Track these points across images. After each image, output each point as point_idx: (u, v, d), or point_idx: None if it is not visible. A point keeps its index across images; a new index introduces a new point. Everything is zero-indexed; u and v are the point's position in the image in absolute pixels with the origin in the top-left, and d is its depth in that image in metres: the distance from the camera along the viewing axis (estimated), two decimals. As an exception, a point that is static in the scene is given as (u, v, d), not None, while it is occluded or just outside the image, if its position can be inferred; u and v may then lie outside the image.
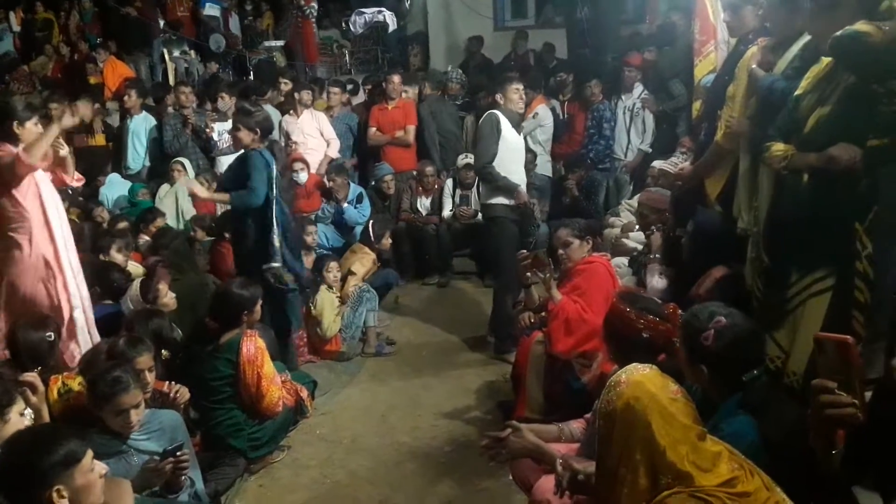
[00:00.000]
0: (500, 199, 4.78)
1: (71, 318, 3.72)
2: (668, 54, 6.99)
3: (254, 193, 4.12)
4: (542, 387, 3.65)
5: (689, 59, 5.41)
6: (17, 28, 12.52)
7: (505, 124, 4.73)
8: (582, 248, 3.82)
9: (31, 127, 3.62)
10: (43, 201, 3.64)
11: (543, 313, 3.82)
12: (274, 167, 4.28)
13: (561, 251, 3.87)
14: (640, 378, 1.76)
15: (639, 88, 6.87)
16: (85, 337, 3.77)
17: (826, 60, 2.57)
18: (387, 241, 5.99)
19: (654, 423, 1.69)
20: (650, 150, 6.69)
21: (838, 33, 2.37)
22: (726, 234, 3.20)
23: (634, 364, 1.85)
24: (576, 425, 2.79)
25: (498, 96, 4.85)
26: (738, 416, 2.06)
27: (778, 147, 2.60)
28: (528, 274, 3.98)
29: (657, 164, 5.40)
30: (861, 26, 2.33)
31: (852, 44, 2.33)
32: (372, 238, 6.12)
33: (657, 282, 3.98)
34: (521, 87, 4.90)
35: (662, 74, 6.97)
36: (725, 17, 3.62)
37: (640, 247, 4.63)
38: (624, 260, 4.62)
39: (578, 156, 7.05)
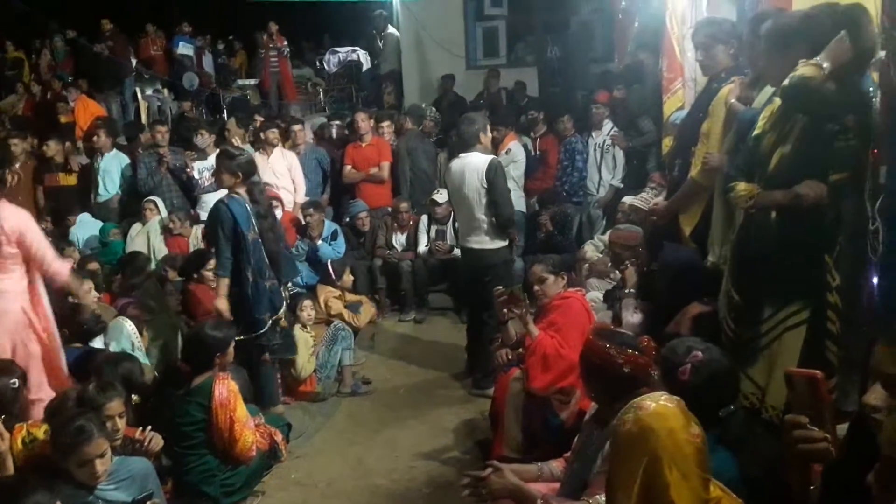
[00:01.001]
0: (500, 243, 4.82)
1: (49, 367, 3.64)
2: (637, 92, 7.15)
3: (222, 256, 4.24)
4: (521, 424, 3.62)
5: (658, 96, 5.55)
6: (-17, 68, 12.43)
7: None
8: (557, 283, 3.85)
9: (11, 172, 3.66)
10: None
11: (520, 349, 3.82)
12: (243, 214, 4.27)
13: (536, 287, 3.88)
14: (664, 410, 1.74)
15: (608, 125, 7.00)
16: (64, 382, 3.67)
17: (779, 101, 2.65)
18: (347, 278, 5.95)
19: (664, 457, 1.68)
20: (621, 186, 6.79)
21: (785, 82, 2.46)
22: (695, 270, 3.24)
23: (662, 393, 1.84)
24: (555, 464, 2.77)
25: (481, 135, 4.85)
26: (718, 453, 2.06)
27: (742, 187, 2.65)
28: (505, 310, 3.98)
29: (627, 199, 5.48)
30: (804, 70, 2.41)
31: (799, 90, 2.42)
32: (332, 276, 6.08)
33: (632, 316, 4.00)
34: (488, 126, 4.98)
35: (632, 111, 7.12)
36: (698, 56, 3.69)
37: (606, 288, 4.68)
38: (599, 295, 4.65)
39: (552, 191, 7.13)
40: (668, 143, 4.81)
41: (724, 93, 3.33)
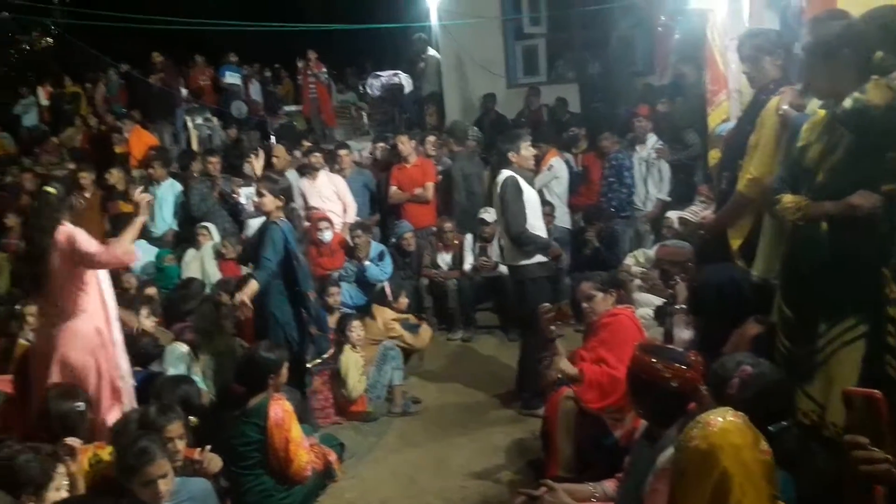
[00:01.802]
0: (537, 259, 4.80)
1: (116, 388, 3.77)
2: (681, 105, 7.10)
3: (264, 268, 4.31)
4: (574, 443, 3.60)
5: (702, 108, 5.49)
6: (44, 102, 13.01)
7: (522, 183, 4.81)
8: (606, 300, 3.82)
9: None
10: (98, 275, 3.76)
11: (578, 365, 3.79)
12: (293, 236, 4.41)
13: (585, 304, 3.87)
14: (732, 427, 1.73)
15: (652, 138, 6.96)
16: (132, 404, 3.81)
17: (823, 112, 2.61)
18: (403, 301, 6.02)
19: (734, 475, 1.66)
20: (668, 199, 6.73)
21: (846, 103, 2.40)
22: (737, 287, 3.18)
23: (727, 409, 1.83)
24: (609, 484, 2.75)
25: (511, 154, 4.88)
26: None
27: (788, 199, 2.61)
28: (553, 327, 3.97)
29: (672, 214, 5.43)
30: (872, 94, 2.34)
31: (860, 117, 2.37)
32: (389, 298, 6.16)
33: (683, 332, 3.95)
34: (528, 143, 4.97)
35: (676, 125, 7.06)
36: (745, 68, 3.64)
37: (656, 303, 4.62)
38: (649, 311, 4.60)
39: (597, 207, 7.10)
40: (714, 155, 4.75)
41: (773, 104, 3.28)
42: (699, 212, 4.89)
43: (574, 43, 10.75)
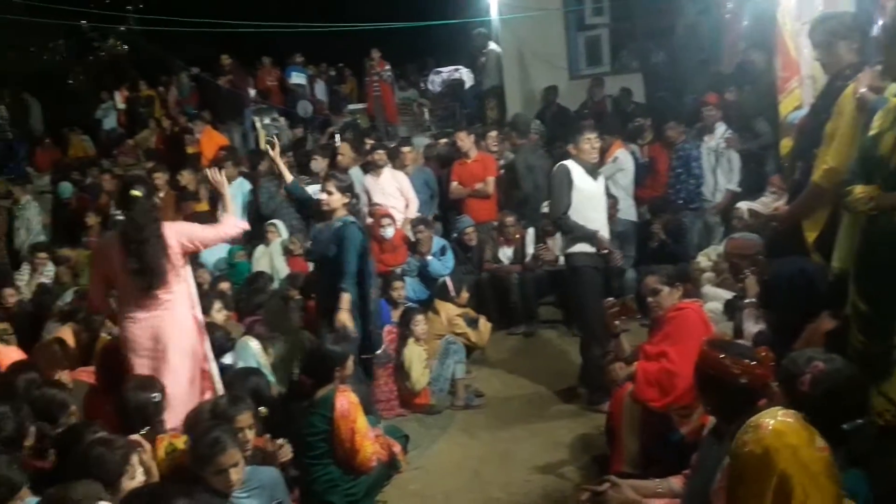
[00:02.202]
0: (581, 248, 4.77)
1: (209, 373, 3.98)
2: (750, 93, 6.87)
3: (348, 272, 4.38)
4: (639, 440, 3.55)
5: (772, 96, 5.30)
6: (121, 105, 13.61)
7: (577, 174, 4.77)
8: (672, 295, 3.75)
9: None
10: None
11: (635, 364, 3.74)
12: (365, 236, 4.50)
13: (650, 299, 3.80)
14: (784, 427, 1.69)
15: (721, 128, 6.76)
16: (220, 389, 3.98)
17: None
18: (464, 296, 6.05)
19: (793, 476, 1.62)
20: (739, 190, 6.53)
21: None
22: (809, 280, 3.05)
23: (777, 409, 1.79)
24: (675, 480, 2.71)
25: (570, 147, 4.91)
26: (850, 472, 1.96)
27: (860, 189, 2.50)
28: (617, 322, 3.92)
29: (743, 205, 5.27)
30: None
31: None
32: (452, 293, 6.19)
33: (754, 327, 3.84)
34: (592, 136, 4.90)
35: (745, 113, 6.84)
36: (817, 55, 3.50)
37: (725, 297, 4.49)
38: (718, 305, 4.49)
39: (664, 198, 6.95)
40: (786, 144, 4.59)
41: (850, 90, 3.14)
42: (771, 203, 4.73)
43: (638, 32, 10.53)
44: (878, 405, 2.43)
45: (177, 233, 3.85)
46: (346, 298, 4.36)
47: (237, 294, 5.83)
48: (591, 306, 4.66)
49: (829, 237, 3.21)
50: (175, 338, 3.82)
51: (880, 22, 3.33)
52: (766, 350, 2.49)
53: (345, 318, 4.33)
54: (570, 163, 4.82)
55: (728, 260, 4.59)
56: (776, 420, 1.70)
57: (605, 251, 4.78)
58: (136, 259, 3.71)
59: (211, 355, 4.02)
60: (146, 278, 3.72)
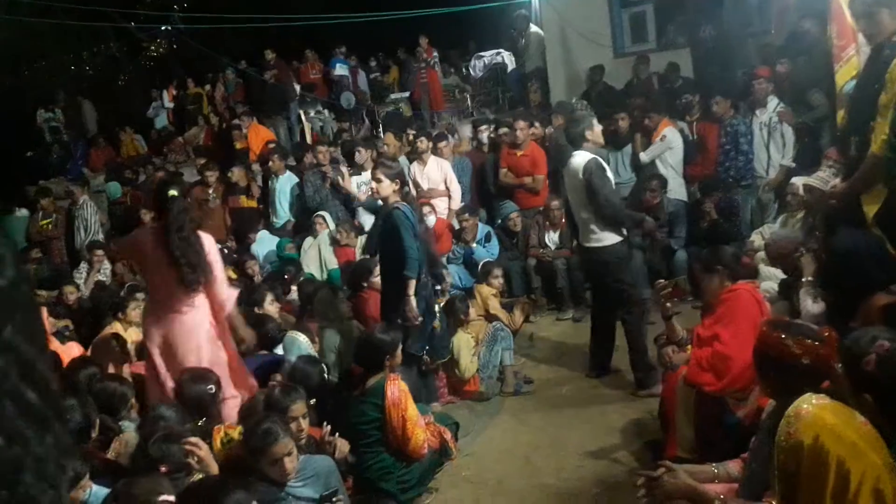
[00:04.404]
0: (614, 239, 4.67)
1: (242, 374, 4.05)
2: (804, 63, 6.61)
3: (410, 258, 4.36)
4: (693, 424, 3.48)
5: (828, 66, 5.09)
6: (169, 104, 13.93)
7: (603, 163, 4.71)
8: (712, 280, 3.63)
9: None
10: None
11: (689, 347, 3.66)
12: (414, 219, 4.48)
13: (701, 282, 3.71)
14: (821, 411, 1.65)
15: (773, 101, 6.54)
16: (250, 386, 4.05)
17: None
18: (496, 281, 5.98)
19: (847, 460, 1.58)
20: (793, 165, 6.31)
21: None
22: (874, 256, 2.93)
23: (810, 395, 1.73)
24: (732, 465, 2.64)
25: (587, 132, 4.73)
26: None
27: None
28: (669, 304, 3.84)
29: (798, 180, 5.09)
30: None
31: None
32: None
33: (812, 306, 3.71)
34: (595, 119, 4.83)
35: (799, 85, 6.59)
36: (860, 25, 3.38)
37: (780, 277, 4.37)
38: (773, 285, 4.36)
39: (715, 176, 6.77)
40: (843, 115, 4.41)
41: None
42: (827, 178, 4.55)
43: (684, 6, 10.22)
44: None
45: (210, 242, 3.91)
46: (411, 284, 4.37)
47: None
48: (630, 288, 4.73)
49: (892, 211, 3.08)
50: (182, 342, 3.83)
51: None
52: (829, 330, 2.40)
53: (413, 304, 4.35)
54: (594, 156, 4.67)
55: (769, 255, 4.46)
56: (812, 405, 1.65)
57: (651, 233, 4.72)
58: (180, 254, 3.75)
59: (236, 357, 4.05)
60: (190, 273, 3.77)
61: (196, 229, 3.89)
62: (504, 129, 7.52)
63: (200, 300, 3.89)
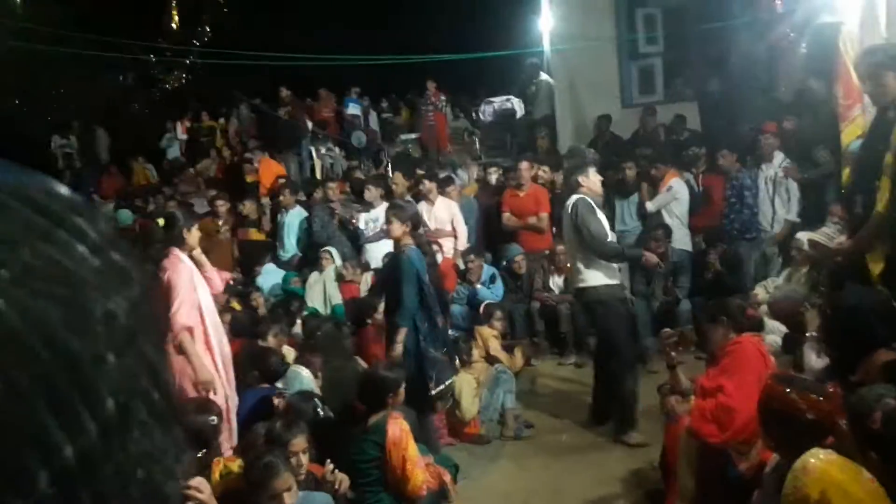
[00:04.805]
0: (601, 280, 4.70)
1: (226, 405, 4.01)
2: (810, 121, 6.72)
3: (405, 307, 4.44)
4: (695, 476, 3.46)
5: (833, 124, 5.19)
6: (182, 136, 14.12)
7: (594, 204, 4.75)
8: (716, 332, 3.65)
9: (195, 232, 4.10)
10: (198, 296, 4.01)
11: (692, 397, 3.66)
12: (422, 263, 4.55)
13: (706, 333, 3.73)
14: (829, 466, 1.66)
15: (779, 157, 6.63)
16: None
17: None
18: (497, 322, 5.98)
19: None
20: (798, 221, 6.37)
21: None
22: (881, 313, 2.95)
23: (817, 450, 1.74)
24: (734, 518, 2.63)
25: (581, 178, 4.79)
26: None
27: None
28: (673, 354, 3.85)
29: (803, 235, 5.15)
30: None
31: None
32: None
33: (815, 361, 3.72)
34: (595, 168, 4.89)
35: (805, 142, 6.70)
36: (866, 88, 3.48)
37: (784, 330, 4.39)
38: (777, 339, 4.37)
39: (720, 228, 6.82)
40: (847, 173, 4.48)
41: None
42: (832, 234, 4.61)
43: (692, 60, 10.44)
44: None
45: (168, 269, 3.88)
46: (400, 332, 4.42)
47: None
48: (624, 338, 4.73)
49: (894, 268, 3.12)
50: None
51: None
52: (834, 386, 2.42)
53: (398, 351, 4.39)
54: (581, 196, 4.73)
55: (775, 318, 4.50)
56: (819, 460, 1.66)
57: (654, 266, 4.76)
58: None
59: (225, 393, 4.05)
60: None
61: (159, 259, 3.89)
62: (493, 169, 7.66)
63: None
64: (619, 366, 4.77)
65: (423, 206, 7.16)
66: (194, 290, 4.01)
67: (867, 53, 3.51)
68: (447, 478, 3.93)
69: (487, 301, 6.26)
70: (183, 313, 3.92)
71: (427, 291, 4.51)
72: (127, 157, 13.68)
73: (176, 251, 4.00)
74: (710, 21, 9.69)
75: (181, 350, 3.91)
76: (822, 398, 2.36)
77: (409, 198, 7.58)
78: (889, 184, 3.15)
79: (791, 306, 4.27)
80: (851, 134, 4.68)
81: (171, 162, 13.69)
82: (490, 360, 5.49)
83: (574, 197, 4.75)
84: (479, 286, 6.52)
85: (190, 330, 3.95)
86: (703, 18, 9.85)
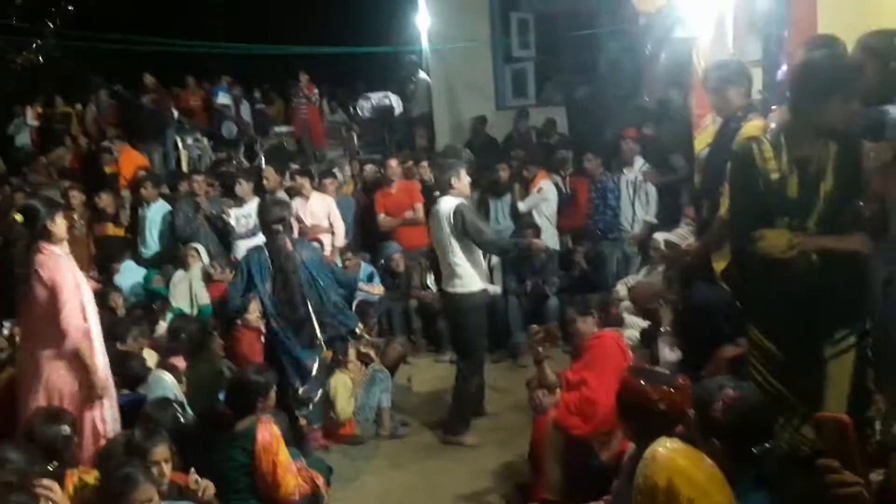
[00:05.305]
0: (478, 285, 4.80)
1: (101, 411, 3.78)
2: (668, 128, 7.17)
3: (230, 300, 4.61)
4: (561, 467, 3.61)
5: (689, 133, 5.57)
6: (33, 122, 12.99)
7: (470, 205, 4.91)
8: (587, 323, 3.84)
9: (60, 222, 3.77)
10: (83, 296, 3.73)
11: (558, 391, 3.82)
12: (258, 262, 4.53)
13: (571, 326, 3.90)
14: (673, 454, 1.77)
15: (639, 161, 7.04)
16: (117, 428, 3.81)
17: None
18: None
19: (696, 500, 1.70)
20: (655, 222, 6.79)
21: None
22: (726, 310, 3.21)
23: (664, 439, 1.86)
24: (597, 507, 2.77)
25: (453, 179, 4.83)
26: (755, 494, 2.06)
27: (773, 234, 2.61)
28: (541, 349, 3.99)
29: (659, 235, 5.49)
30: None
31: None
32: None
33: (669, 354, 3.99)
34: (464, 169, 4.97)
35: (663, 148, 7.14)
36: (711, 100, 3.76)
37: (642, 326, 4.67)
38: (635, 333, 4.64)
39: (585, 228, 7.15)
40: (699, 179, 4.82)
41: (747, 130, 3.34)
42: (686, 234, 4.95)
43: (563, 66, 10.89)
44: (789, 438, 2.55)
45: (50, 268, 3.61)
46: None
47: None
48: (479, 338, 4.90)
49: (734, 269, 3.38)
50: (56, 373, 3.65)
51: (784, 67, 3.59)
52: (684, 378, 2.60)
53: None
54: (460, 201, 4.78)
55: (635, 304, 4.78)
56: (666, 448, 1.80)
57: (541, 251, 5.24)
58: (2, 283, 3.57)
59: (111, 394, 3.84)
60: (5, 305, 3.60)
61: (29, 257, 3.60)
62: (369, 166, 7.79)
63: (52, 330, 3.63)
64: (469, 370, 4.89)
65: (297, 202, 7.01)
66: (78, 287, 3.72)
67: (713, 68, 3.79)
68: (320, 481, 3.87)
69: (360, 299, 6.23)
70: (74, 315, 3.63)
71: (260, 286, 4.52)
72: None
73: (47, 246, 3.67)
74: (580, 29, 10.15)
75: (75, 357, 3.65)
76: (672, 389, 2.53)
77: (282, 193, 7.41)
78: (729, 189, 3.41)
79: (649, 292, 4.53)
80: (703, 142, 5.02)
81: (20, 150, 12.59)
82: (362, 358, 5.44)
83: (452, 202, 4.74)
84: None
85: (86, 333, 3.68)
86: (573, 26, 10.31)
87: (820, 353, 2.59)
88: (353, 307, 5.91)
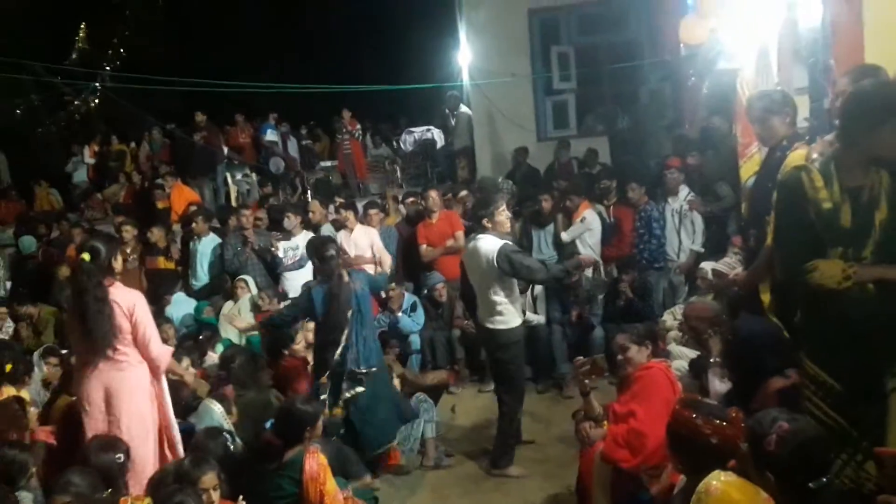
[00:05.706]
0: (516, 321, 4.79)
1: (171, 437, 3.94)
2: (712, 157, 7.12)
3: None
4: (609, 500, 3.55)
5: (734, 160, 5.52)
6: (90, 160, 13.54)
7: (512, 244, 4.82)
8: (640, 353, 3.79)
9: (120, 260, 4.03)
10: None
11: (606, 423, 3.77)
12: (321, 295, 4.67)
13: (619, 357, 3.85)
14: (728, 487, 1.75)
15: (684, 190, 6.98)
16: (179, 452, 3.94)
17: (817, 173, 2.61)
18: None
19: None
20: (702, 251, 6.70)
21: None
22: (772, 341, 3.13)
23: (718, 472, 1.83)
24: (646, 541, 2.71)
25: (485, 221, 4.75)
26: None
27: (829, 266, 2.55)
28: (587, 381, 3.96)
29: (706, 265, 5.42)
30: None
31: None
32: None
33: (719, 386, 3.91)
34: (503, 206, 4.86)
35: (708, 177, 7.08)
36: (755, 130, 3.74)
37: (690, 356, 4.58)
38: (684, 364, 4.56)
39: (630, 258, 7.10)
40: (745, 207, 4.76)
41: (790, 160, 3.31)
42: (733, 264, 4.87)
43: (603, 97, 10.93)
44: (852, 474, 2.47)
45: (128, 300, 3.80)
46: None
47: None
48: (520, 369, 4.94)
49: (780, 299, 3.30)
50: (125, 401, 3.77)
51: (831, 96, 3.55)
52: (736, 411, 2.55)
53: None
54: (504, 241, 4.70)
55: (687, 324, 4.70)
56: (720, 482, 1.77)
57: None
58: (80, 318, 3.71)
59: (173, 421, 3.98)
60: (90, 338, 3.71)
61: (102, 292, 3.74)
62: (410, 199, 7.85)
63: (137, 357, 3.82)
64: (512, 402, 4.86)
65: (341, 235, 7.14)
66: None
67: (757, 98, 3.77)
68: (366, 511, 3.88)
69: (411, 332, 6.30)
70: (159, 339, 3.98)
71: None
72: (29, 181, 13.02)
73: (112, 280, 3.86)
74: (620, 61, 10.19)
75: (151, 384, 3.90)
76: (724, 423, 2.49)
77: (327, 225, 7.55)
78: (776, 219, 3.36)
79: (706, 311, 4.45)
80: (749, 170, 4.99)
81: (78, 187, 13.12)
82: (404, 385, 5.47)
83: (494, 243, 4.65)
84: (400, 314, 6.52)
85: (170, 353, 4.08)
86: (613, 58, 10.35)
87: (881, 385, 2.51)
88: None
